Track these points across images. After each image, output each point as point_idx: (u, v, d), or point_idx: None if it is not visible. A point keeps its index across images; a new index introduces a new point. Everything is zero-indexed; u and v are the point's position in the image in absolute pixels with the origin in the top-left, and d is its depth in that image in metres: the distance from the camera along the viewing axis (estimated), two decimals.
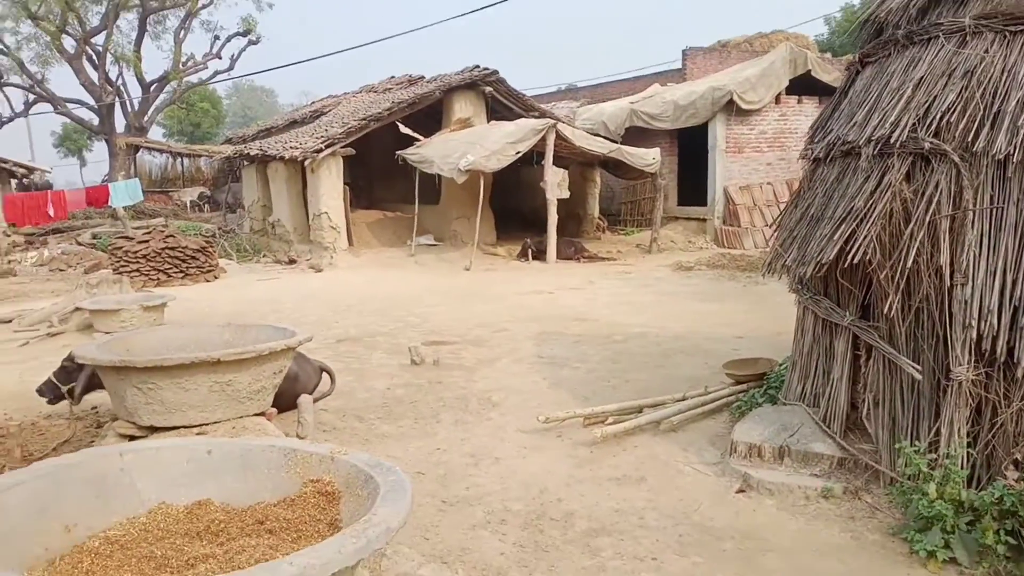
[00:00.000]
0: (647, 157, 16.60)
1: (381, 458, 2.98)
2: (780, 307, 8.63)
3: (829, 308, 4.51)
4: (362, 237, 17.31)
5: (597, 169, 18.82)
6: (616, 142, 17.38)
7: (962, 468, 3.56)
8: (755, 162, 18.28)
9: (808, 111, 18.28)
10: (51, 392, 5.42)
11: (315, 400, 5.53)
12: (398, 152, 16.53)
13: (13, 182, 22.10)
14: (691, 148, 18.84)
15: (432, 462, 4.75)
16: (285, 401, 5.20)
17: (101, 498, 2.79)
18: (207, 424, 4.41)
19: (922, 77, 4.19)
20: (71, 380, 5.31)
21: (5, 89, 28.79)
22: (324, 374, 5.91)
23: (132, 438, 4.40)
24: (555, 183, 15.44)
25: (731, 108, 17.56)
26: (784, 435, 4.40)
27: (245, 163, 20.36)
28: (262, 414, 4.75)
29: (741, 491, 4.16)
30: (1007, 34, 4.00)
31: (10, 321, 9.85)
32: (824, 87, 17.89)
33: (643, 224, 19.20)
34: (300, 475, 2.97)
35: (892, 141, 4.06)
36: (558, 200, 15.53)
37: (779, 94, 18.12)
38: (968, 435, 3.67)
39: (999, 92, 3.85)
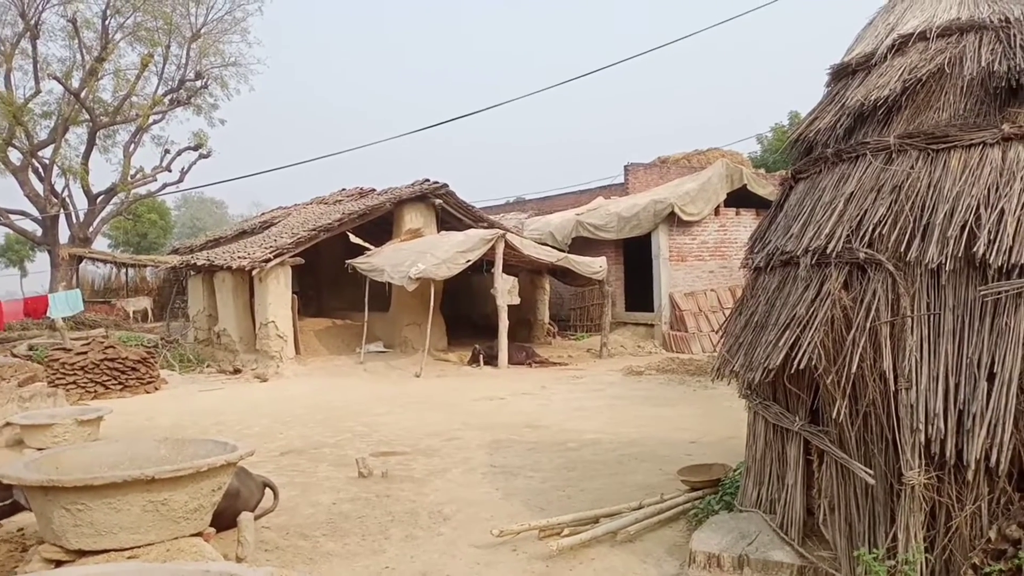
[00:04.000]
0: (594, 265, 16.96)
1: None
2: (730, 411, 8.69)
3: (779, 413, 4.54)
4: (310, 345, 17.06)
5: (546, 277, 19.11)
6: (564, 251, 17.77)
7: (921, 574, 3.52)
8: (698, 270, 18.81)
9: (746, 222, 19.04)
10: None
11: (257, 517, 5.26)
12: (348, 261, 16.59)
13: None
14: (636, 256, 19.34)
15: None
16: (225, 519, 4.94)
17: None
18: (139, 547, 4.14)
19: (853, 192, 4.40)
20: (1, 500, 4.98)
21: None
22: (267, 489, 5.66)
23: (59, 563, 4.10)
24: (505, 290, 15.61)
25: (672, 219, 18.19)
26: (742, 543, 4.32)
27: (192, 273, 20.11)
28: (200, 534, 4.48)
29: None
30: (930, 152, 4.26)
31: None
32: (760, 200, 18.73)
33: (592, 329, 19.39)
34: None
35: (828, 251, 4.22)
36: (508, 306, 15.66)
37: (718, 206, 18.90)
38: (925, 539, 3.65)
39: (927, 205, 4.06)
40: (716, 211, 18.94)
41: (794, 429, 4.39)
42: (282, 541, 5.31)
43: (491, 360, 15.38)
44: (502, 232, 15.90)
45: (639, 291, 19.28)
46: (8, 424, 9.01)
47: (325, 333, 17.89)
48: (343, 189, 24.48)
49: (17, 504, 5.19)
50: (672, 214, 18.03)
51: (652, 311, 18.66)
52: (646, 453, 7.58)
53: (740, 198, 19.12)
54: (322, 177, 41.02)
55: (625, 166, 22.73)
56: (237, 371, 15.56)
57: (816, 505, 4.33)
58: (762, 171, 23.67)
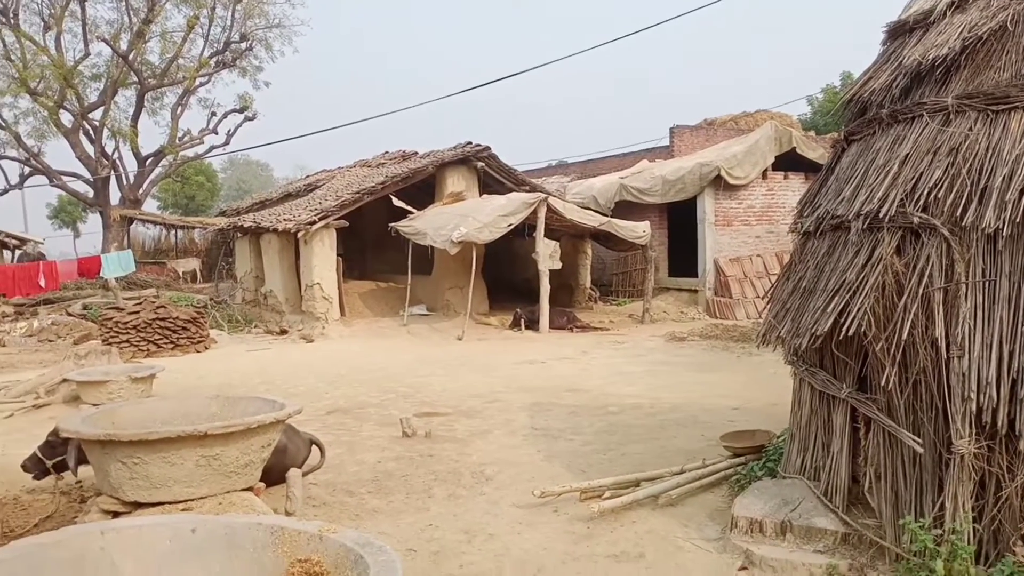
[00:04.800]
0: (637, 230, 16.79)
1: (372, 535, 2.89)
2: (775, 378, 8.61)
3: (826, 380, 4.48)
4: (354, 307, 17.28)
5: (588, 241, 18.99)
6: (606, 215, 17.62)
7: (969, 544, 3.47)
8: (744, 235, 18.51)
9: (795, 186, 18.63)
10: (36, 467, 5.28)
11: (304, 474, 5.41)
12: (391, 224, 16.68)
13: (7, 253, 22.12)
14: (681, 221, 19.09)
15: (424, 539, 4.62)
16: (274, 475, 5.08)
17: None
18: (193, 500, 4.29)
19: (908, 154, 4.27)
20: (56, 455, 5.17)
21: (1, 162, 29.09)
22: (314, 447, 5.81)
23: (116, 514, 4.28)
24: (547, 254, 15.57)
25: (719, 183, 17.88)
26: (785, 510, 4.31)
27: (239, 235, 20.46)
28: (250, 489, 4.63)
29: (744, 568, 4.05)
30: (989, 113, 4.10)
31: None
32: (809, 164, 18.29)
33: (634, 295, 19.28)
34: (287, 555, 2.87)
35: (881, 215, 4.11)
36: (550, 271, 15.63)
37: (766, 170, 18.50)
38: (973, 509, 3.60)
39: (985, 168, 3.92)
40: (763, 175, 18.55)
41: (841, 396, 4.33)
42: (329, 497, 5.45)
43: (532, 324, 15.42)
44: (544, 196, 15.81)
45: (683, 256, 19.06)
46: (65, 380, 9.36)
47: (369, 295, 18.10)
48: (386, 152, 24.55)
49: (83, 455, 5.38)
50: (718, 178, 17.72)
51: (696, 276, 18.46)
52: (687, 418, 7.56)
53: (789, 161, 18.69)
54: (365, 140, 41.33)
55: (670, 128, 22.35)
56: (283, 332, 15.85)
57: (862, 473, 4.28)
58: (812, 133, 23.09)
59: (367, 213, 17.46)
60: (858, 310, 3.92)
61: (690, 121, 25.91)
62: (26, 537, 4.77)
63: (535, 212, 15.25)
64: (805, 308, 4.40)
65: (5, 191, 29.55)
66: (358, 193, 16.77)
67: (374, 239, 20.01)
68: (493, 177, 18.07)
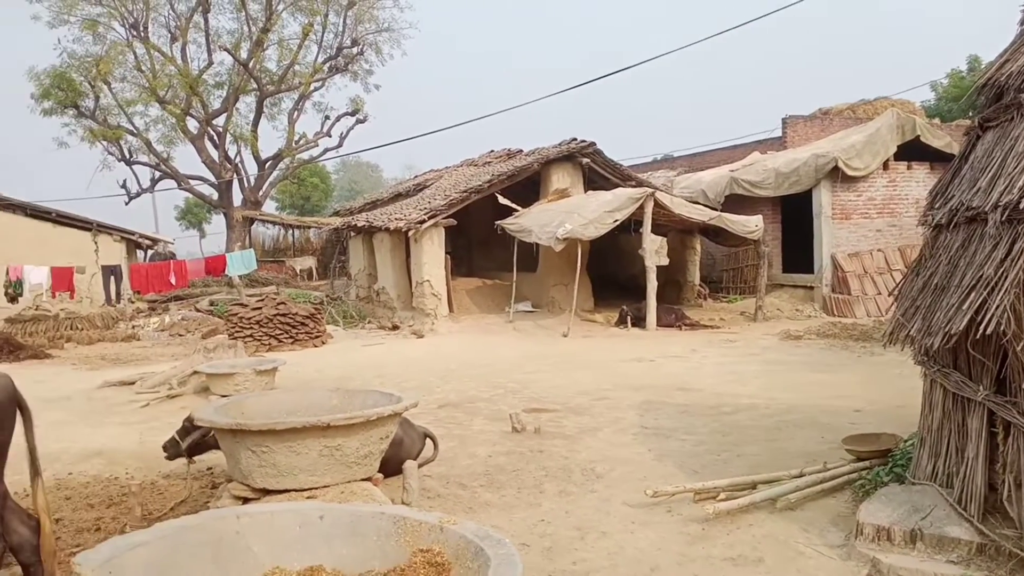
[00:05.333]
0: (749, 224, 16.31)
1: (490, 528, 2.93)
2: (899, 379, 8.19)
3: (960, 382, 4.23)
4: (462, 304, 17.58)
5: (697, 236, 18.61)
6: (716, 209, 17.21)
7: None
8: (864, 228, 17.67)
9: (919, 177, 17.65)
10: (173, 449, 5.67)
11: (419, 466, 5.54)
12: (497, 222, 16.86)
13: (140, 253, 23.70)
14: (795, 215, 18.42)
15: (537, 534, 4.65)
16: (390, 466, 5.23)
17: (218, 561, 2.84)
18: (317, 488, 4.47)
19: None
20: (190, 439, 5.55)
21: (134, 167, 31.14)
22: (427, 440, 5.94)
23: (246, 500, 4.51)
24: (653, 250, 15.35)
25: (836, 175, 17.13)
26: (915, 517, 4.09)
27: (352, 234, 21.19)
28: (369, 479, 4.78)
29: None
30: None
31: (133, 383, 10.40)
32: (935, 152, 17.29)
33: (746, 291, 18.76)
34: (409, 544, 2.95)
35: (1022, 207, 3.83)
36: (657, 267, 15.41)
37: (887, 160, 17.59)
38: None
39: None
40: (885, 165, 17.64)
41: (977, 399, 4.07)
42: (442, 489, 5.56)
43: (639, 322, 15.25)
44: (651, 191, 15.59)
45: (798, 251, 18.38)
46: (195, 372, 9.94)
47: (476, 292, 18.37)
48: (491, 151, 24.83)
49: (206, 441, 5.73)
50: (835, 169, 16.98)
51: (812, 273, 17.77)
52: (805, 420, 7.29)
53: (912, 151, 17.68)
54: (471, 139, 41.89)
55: (783, 119, 21.61)
56: (395, 327, 16.31)
57: (1000, 480, 4.02)
58: (937, 121, 21.84)
59: (473, 211, 17.72)
60: (997, 307, 3.68)
61: (803, 111, 24.96)
62: (164, 519, 5.11)
63: (642, 207, 15.07)
64: (937, 305, 4.16)
65: (138, 194, 31.61)
66: (465, 192, 17.04)
67: (480, 237, 20.30)
68: (598, 173, 17.97)
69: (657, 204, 15.25)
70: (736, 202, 18.55)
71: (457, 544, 2.83)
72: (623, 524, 4.79)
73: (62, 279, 18.37)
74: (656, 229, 15.57)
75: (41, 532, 3.79)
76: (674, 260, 17.18)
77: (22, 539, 3.73)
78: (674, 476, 5.67)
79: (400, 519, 3.00)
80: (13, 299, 18.33)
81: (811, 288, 17.75)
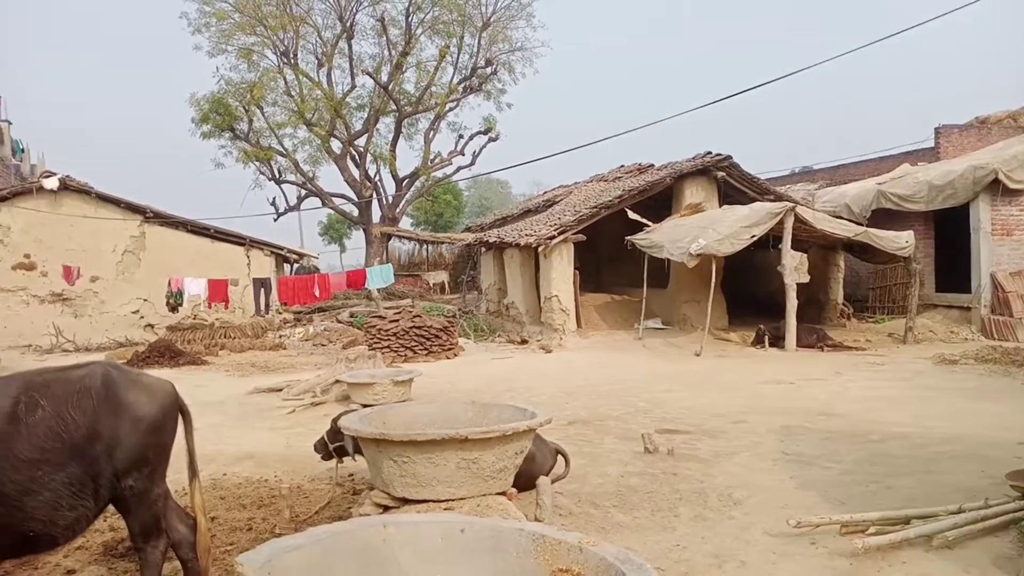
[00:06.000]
0: (899, 240, 15.38)
1: (631, 551, 2.88)
2: None
3: None
4: (590, 319, 17.53)
5: (840, 253, 17.73)
6: (861, 224, 16.35)
7: None
8: None
9: None
10: (323, 450, 6.03)
11: (552, 482, 5.54)
12: (628, 237, 16.72)
13: (287, 267, 25.10)
14: (949, 230, 17.21)
15: (672, 559, 4.53)
16: (522, 481, 5.25)
17: (366, 568, 2.93)
18: (453, 500, 4.55)
19: None
20: (337, 440, 5.85)
21: (283, 185, 33.13)
22: (559, 456, 5.94)
23: (386, 508, 4.65)
24: (792, 267, 14.74)
25: (996, 188, 15.89)
26: None
27: (483, 249, 21.61)
28: (503, 493, 4.82)
29: None
30: None
31: (280, 390, 11.01)
32: None
33: (894, 312, 17.69)
34: (548, 563, 2.94)
35: None
36: (797, 285, 14.79)
37: None
38: None
39: None
40: None
41: None
42: (574, 508, 5.53)
43: (777, 342, 14.67)
44: (791, 205, 15.00)
45: (952, 269, 17.15)
46: (337, 381, 10.39)
47: (604, 308, 18.26)
48: (621, 166, 24.70)
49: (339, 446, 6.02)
50: (996, 182, 15.74)
51: (968, 292, 16.51)
52: (964, 452, 6.76)
53: None
54: (600, 155, 41.81)
55: (936, 128, 20.29)
56: (524, 341, 16.46)
57: None
58: None
59: (603, 226, 17.66)
60: None
61: (958, 120, 23.33)
62: (310, 522, 5.35)
63: (781, 222, 14.52)
64: None
65: (286, 211, 33.55)
66: (595, 208, 17.01)
67: (609, 252, 20.19)
68: (734, 187, 17.50)
69: (798, 219, 14.65)
70: (883, 217, 17.56)
71: (597, 566, 2.80)
72: (763, 554, 4.59)
73: (218, 291, 19.74)
74: (796, 245, 14.95)
75: (197, 530, 4.06)
76: (815, 277, 16.41)
77: (181, 536, 4.01)
78: (818, 506, 5.40)
79: (539, 537, 2.99)
80: (174, 309, 19.84)
81: (968, 309, 16.50)
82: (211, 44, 30.06)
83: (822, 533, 4.80)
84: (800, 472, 6.31)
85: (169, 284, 19.59)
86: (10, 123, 31.67)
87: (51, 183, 20.38)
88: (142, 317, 20.83)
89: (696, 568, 4.41)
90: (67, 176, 20.75)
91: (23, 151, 35.85)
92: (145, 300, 20.83)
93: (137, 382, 3.86)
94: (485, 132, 32.61)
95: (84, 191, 20.77)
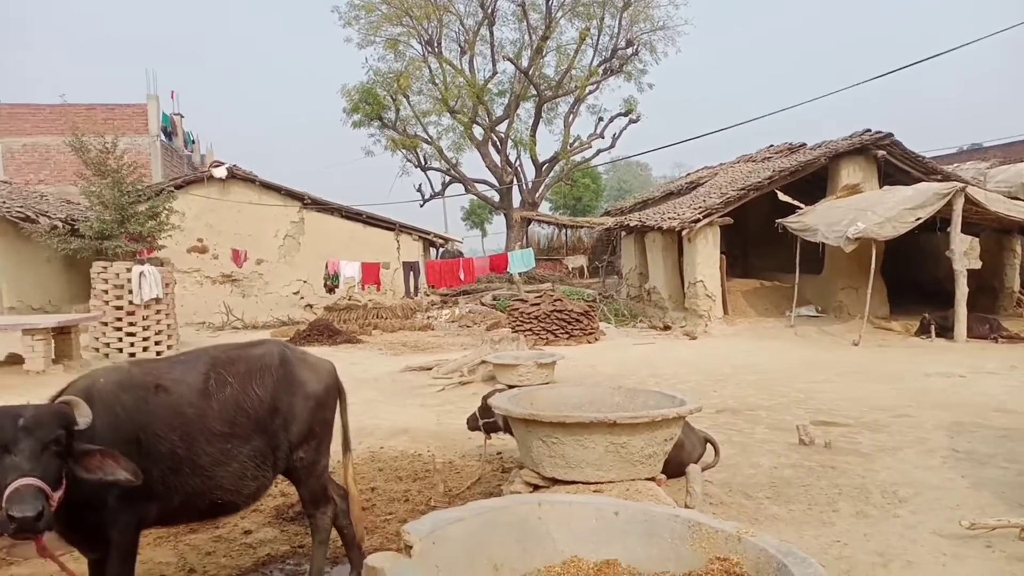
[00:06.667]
0: None
1: (793, 545, 2.79)
2: None
3: None
4: (737, 306, 17.00)
5: (1017, 237, 16.25)
6: None
7: None
8: None
9: None
10: (474, 425, 6.27)
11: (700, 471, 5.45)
12: (778, 220, 16.04)
13: (433, 251, 25.92)
14: None
15: (832, 555, 4.35)
16: (670, 468, 5.19)
17: (522, 543, 3.00)
18: (602, 483, 4.56)
19: None
20: (487, 417, 6.03)
21: (428, 172, 34.15)
22: (708, 445, 5.83)
23: (536, 487, 4.73)
24: (962, 252, 13.65)
25: None
26: None
27: (624, 233, 21.40)
28: (652, 479, 4.79)
29: None
30: None
31: (430, 369, 11.41)
32: None
33: None
34: (704, 550, 2.90)
35: None
36: (967, 271, 13.69)
37: None
38: None
39: None
40: None
41: None
42: (725, 497, 5.42)
43: (944, 332, 13.65)
44: (961, 185, 13.86)
45: None
46: (483, 362, 10.64)
47: (752, 294, 17.65)
48: (771, 145, 23.73)
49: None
50: None
51: None
52: None
53: None
54: (747, 135, 40.25)
55: None
56: (666, 327, 16.19)
57: None
58: None
59: (750, 209, 17.03)
60: None
61: None
62: (461, 497, 5.53)
63: (949, 204, 13.47)
64: None
65: (431, 197, 34.58)
66: (743, 189, 16.43)
67: (757, 236, 19.49)
68: (895, 166, 16.37)
69: (969, 200, 13.53)
70: None
71: (757, 557, 2.73)
72: (933, 555, 4.32)
73: (370, 273, 20.69)
74: (966, 228, 13.82)
75: (350, 499, 4.29)
76: (987, 263, 15.15)
77: (338, 506, 4.26)
78: (993, 508, 5.02)
79: (696, 524, 2.96)
80: (331, 290, 21.00)
81: None
82: (360, 36, 31.36)
83: (999, 536, 4.47)
84: (972, 471, 5.88)
85: (326, 267, 20.72)
86: (182, 116, 34.36)
87: (220, 172, 22.00)
88: (302, 297, 22.16)
89: (858, 566, 4.21)
90: (234, 165, 22.32)
91: (194, 142, 38.86)
92: (304, 282, 22.14)
93: (305, 361, 4.13)
94: (625, 114, 32.21)
95: (249, 179, 22.27)
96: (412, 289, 21.14)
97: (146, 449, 3.22)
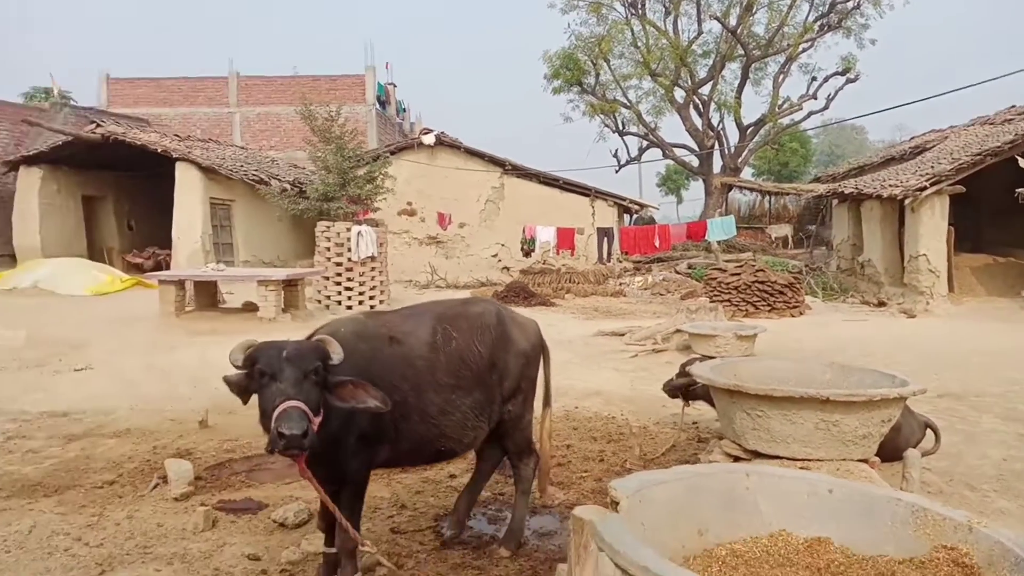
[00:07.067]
0: None
1: None
2: None
3: None
4: (964, 283, 15.48)
5: None
6: None
7: None
8: None
9: None
10: (671, 390, 6.12)
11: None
12: (1019, 190, 14.33)
13: (627, 217, 25.74)
14: None
15: None
16: (884, 452, 4.88)
17: (728, 511, 2.98)
18: (809, 460, 4.39)
19: None
20: (683, 385, 5.95)
21: (625, 137, 33.74)
22: (928, 430, 5.43)
23: (736, 459, 4.65)
24: None
25: None
26: None
27: (836, 201, 20.07)
28: (864, 461, 4.54)
29: None
30: None
31: (622, 335, 11.43)
32: None
33: None
34: (929, 537, 2.73)
35: None
36: None
37: None
38: None
39: None
40: None
41: None
42: (945, 487, 5.04)
43: None
44: None
45: None
46: (678, 331, 10.50)
47: (982, 271, 15.98)
48: (1012, 106, 21.12)
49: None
50: None
51: None
52: None
53: None
54: (983, 96, 35.93)
55: None
56: (881, 304, 15.08)
57: None
58: None
59: (985, 177, 15.32)
60: None
61: None
62: (657, 462, 5.55)
63: None
64: None
65: (627, 163, 34.20)
66: (977, 155, 14.81)
67: (992, 207, 17.58)
68: None
69: None
70: None
71: (990, 549, 2.53)
72: None
73: (565, 238, 20.95)
74: None
75: (541, 452, 4.44)
76: None
77: (539, 458, 4.44)
78: None
79: (920, 509, 2.78)
80: (527, 254, 21.55)
81: None
82: (564, 1, 31.35)
83: None
84: None
85: (523, 231, 21.25)
86: (395, 86, 36.30)
87: (429, 139, 23.11)
88: (499, 260, 22.93)
89: None
90: (442, 132, 23.35)
91: (404, 110, 41.00)
92: (502, 245, 22.87)
93: (516, 320, 4.31)
94: (842, 73, 29.94)
95: (455, 146, 23.22)
96: (605, 255, 21.15)
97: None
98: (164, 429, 6.59)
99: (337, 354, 3.19)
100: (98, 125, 19.76)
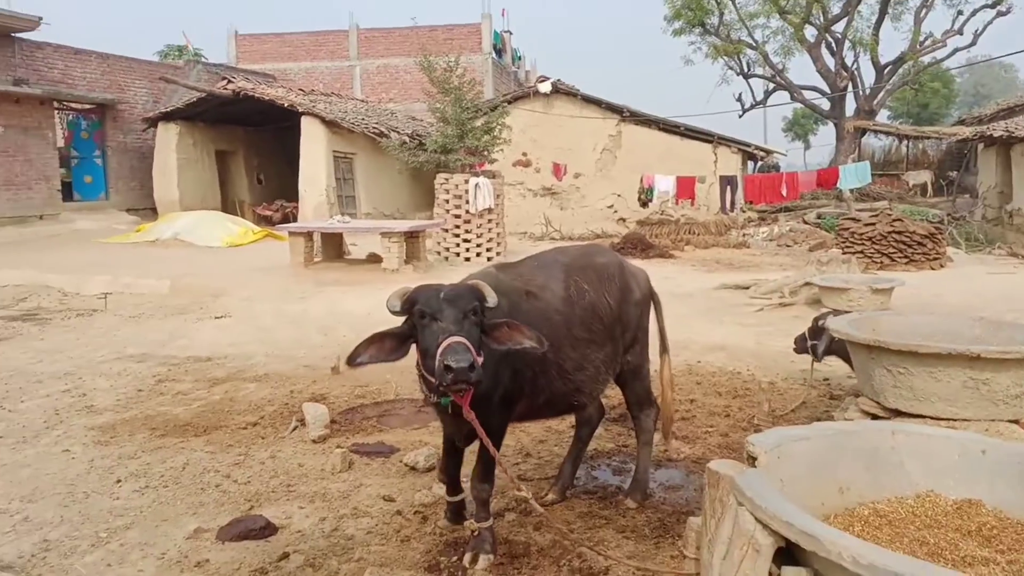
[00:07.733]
0: None
1: None
2: None
3: None
4: None
5: None
6: None
7: None
8: None
9: None
10: (801, 346, 5.89)
11: None
12: None
13: (751, 164, 24.76)
14: None
15: None
16: None
17: (871, 471, 2.86)
18: (955, 420, 4.16)
19: None
20: (815, 339, 5.69)
21: (750, 80, 32.23)
22: None
23: (874, 417, 4.45)
24: None
25: None
26: None
27: (982, 145, 18.58)
28: (1016, 422, 4.26)
29: None
30: None
31: (747, 288, 11.09)
32: None
33: None
34: None
35: None
36: None
37: None
38: None
39: None
40: None
41: None
42: None
43: None
44: None
45: None
46: (807, 284, 10.09)
47: None
48: None
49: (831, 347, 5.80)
50: None
51: None
52: None
53: None
54: None
55: None
56: None
57: None
58: None
59: None
60: None
61: None
62: (786, 419, 5.39)
63: None
64: None
65: (751, 107, 32.74)
66: None
67: None
68: None
69: None
70: None
71: None
72: None
73: (685, 188, 20.34)
74: None
75: (662, 401, 4.36)
76: None
77: (658, 409, 4.38)
78: None
79: None
80: (644, 204, 21.08)
81: None
82: None
83: None
84: None
85: (641, 180, 20.78)
86: (511, 33, 35.99)
87: (545, 87, 22.84)
88: (615, 211, 22.60)
89: None
90: (558, 80, 23.03)
91: (520, 58, 40.66)
92: (619, 196, 22.50)
93: (629, 269, 4.23)
94: (992, 5, 27.42)
95: (571, 93, 22.86)
96: (728, 204, 20.41)
97: (518, 352, 3.33)
98: (299, 374, 6.94)
99: (492, 297, 3.16)
100: (229, 81, 20.70)
